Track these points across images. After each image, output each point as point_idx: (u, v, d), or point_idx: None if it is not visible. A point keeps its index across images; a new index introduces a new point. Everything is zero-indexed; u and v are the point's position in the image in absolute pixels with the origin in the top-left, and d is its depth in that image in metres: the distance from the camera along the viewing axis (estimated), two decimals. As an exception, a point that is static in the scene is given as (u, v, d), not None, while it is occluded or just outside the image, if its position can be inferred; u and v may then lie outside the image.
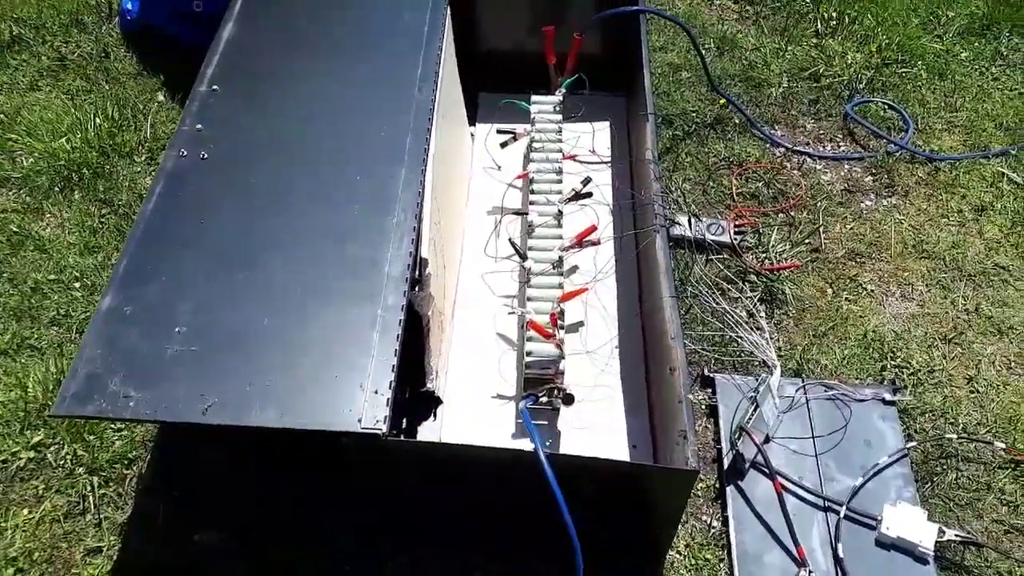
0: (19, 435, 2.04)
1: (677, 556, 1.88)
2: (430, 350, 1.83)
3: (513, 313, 2.18)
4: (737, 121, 2.85)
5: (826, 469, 1.99)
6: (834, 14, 3.26)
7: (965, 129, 2.86)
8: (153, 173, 2.52)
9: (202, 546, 1.86)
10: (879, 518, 1.88)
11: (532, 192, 2.29)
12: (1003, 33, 3.22)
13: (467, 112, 2.63)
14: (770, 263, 2.41)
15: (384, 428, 1.43)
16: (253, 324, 1.55)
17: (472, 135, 2.69)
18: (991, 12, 3.28)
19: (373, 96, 1.99)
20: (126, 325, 1.54)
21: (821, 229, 2.54)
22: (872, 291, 2.40)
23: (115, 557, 1.86)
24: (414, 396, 1.86)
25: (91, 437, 2.02)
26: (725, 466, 1.99)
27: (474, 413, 2.03)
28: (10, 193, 2.61)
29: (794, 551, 1.84)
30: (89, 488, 1.95)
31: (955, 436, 2.06)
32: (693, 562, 1.87)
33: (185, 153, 1.83)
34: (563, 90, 2.52)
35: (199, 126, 1.88)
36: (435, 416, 1.97)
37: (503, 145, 2.52)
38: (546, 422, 1.99)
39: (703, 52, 2.84)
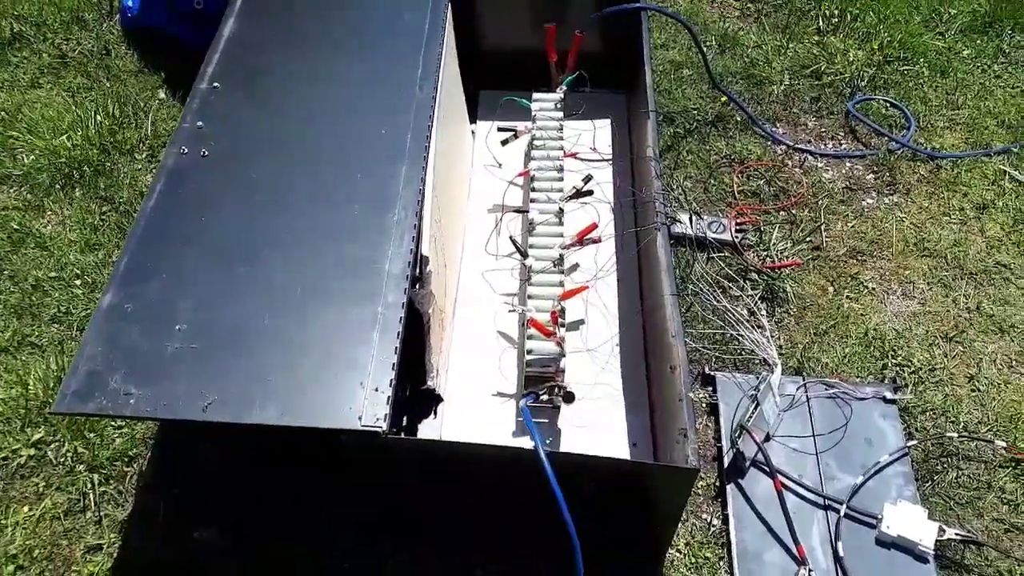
0: (20, 432, 2.04)
1: (677, 554, 1.88)
2: (431, 348, 1.83)
3: (514, 311, 2.18)
4: (738, 119, 2.85)
5: (826, 467, 1.99)
6: (836, 11, 3.25)
7: (967, 127, 2.86)
8: (154, 170, 2.52)
9: (202, 543, 1.87)
10: (879, 517, 1.88)
11: (533, 190, 2.29)
12: (1005, 30, 3.21)
13: (468, 110, 2.63)
14: (771, 261, 2.41)
15: (384, 426, 1.43)
16: (254, 322, 1.55)
17: (473, 133, 2.69)
18: (993, 9, 3.27)
19: (374, 94, 1.98)
20: (127, 322, 1.54)
21: (822, 227, 2.53)
22: (873, 289, 2.39)
23: (115, 554, 1.86)
24: (415, 394, 1.86)
25: (92, 435, 2.02)
26: (725, 464, 1.99)
27: (475, 411, 2.03)
28: (11, 190, 2.61)
29: (794, 549, 1.84)
30: (89, 485, 1.95)
31: (956, 435, 2.06)
32: (693, 560, 1.87)
33: (186, 150, 1.82)
34: (564, 87, 2.52)
35: (200, 123, 1.88)
36: (435, 414, 1.97)
37: (504, 143, 2.52)
38: (546, 420, 1.98)
39: (704, 49, 2.83)
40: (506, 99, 2.54)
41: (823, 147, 2.81)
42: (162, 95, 2.91)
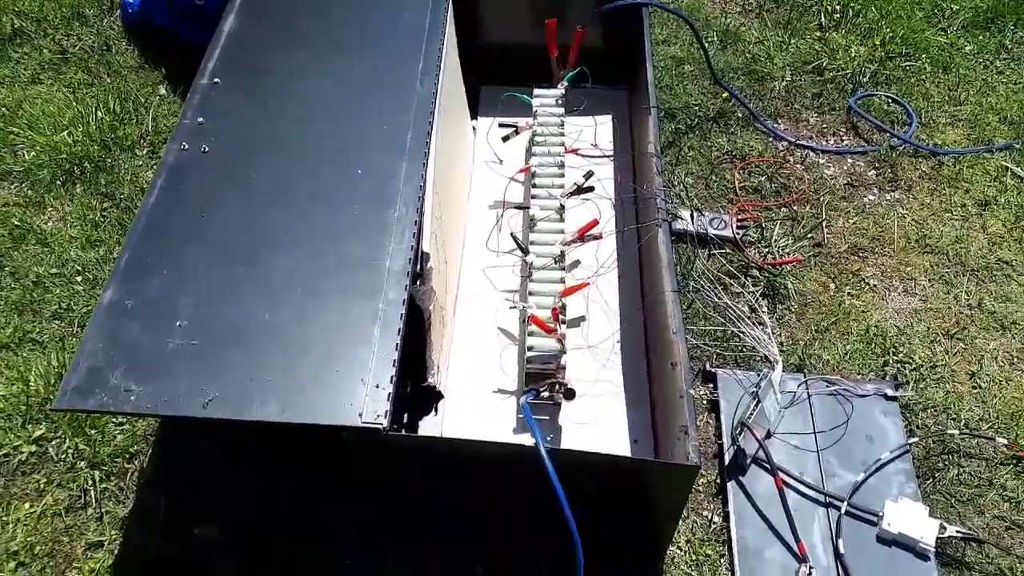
0: (21, 429, 2.04)
1: (678, 551, 1.88)
2: (431, 345, 1.82)
3: (514, 308, 2.18)
4: (740, 115, 2.84)
5: (827, 465, 1.99)
6: (838, 7, 3.24)
7: (969, 123, 2.85)
8: (155, 166, 2.52)
9: (203, 540, 1.87)
10: (880, 514, 1.88)
11: (534, 186, 2.29)
12: (1008, 26, 3.20)
13: (469, 106, 2.62)
14: (772, 258, 2.41)
15: (385, 422, 1.42)
16: (254, 318, 1.55)
17: (474, 129, 2.68)
18: (996, 5, 3.26)
19: (375, 90, 1.98)
20: (127, 319, 1.54)
21: (824, 224, 2.53)
22: (875, 286, 2.39)
23: (116, 551, 1.86)
24: (415, 391, 1.86)
25: (92, 431, 2.02)
26: (726, 461, 1.99)
27: (475, 408, 2.03)
28: (12, 187, 2.61)
29: (795, 547, 1.84)
30: (90, 482, 1.95)
31: (957, 432, 2.06)
32: (694, 557, 1.87)
33: (186, 146, 1.82)
34: (565, 83, 2.52)
35: (200, 119, 1.87)
36: (436, 411, 1.97)
37: (505, 139, 2.52)
38: (547, 417, 1.98)
39: (706, 45, 2.83)
40: (507, 95, 2.54)
41: (825, 143, 2.80)
42: (163, 91, 2.91)
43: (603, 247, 2.31)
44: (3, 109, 2.83)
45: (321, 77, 2.02)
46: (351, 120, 1.91)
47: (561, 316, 1.99)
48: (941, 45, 3.13)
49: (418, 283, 1.73)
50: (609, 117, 2.68)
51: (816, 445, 2.02)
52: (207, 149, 1.82)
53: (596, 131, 2.62)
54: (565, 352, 1.95)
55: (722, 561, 1.87)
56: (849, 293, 2.37)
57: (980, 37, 3.17)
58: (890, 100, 2.92)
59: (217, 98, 1.93)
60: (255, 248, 1.66)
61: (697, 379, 2.16)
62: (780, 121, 2.87)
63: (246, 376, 1.46)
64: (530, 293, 2.07)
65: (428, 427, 1.95)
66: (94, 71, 2.98)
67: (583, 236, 2.21)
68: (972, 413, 2.11)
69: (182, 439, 2.04)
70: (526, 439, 1.89)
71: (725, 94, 2.86)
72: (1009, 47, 3.13)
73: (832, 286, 2.39)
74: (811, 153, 2.75)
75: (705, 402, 2.12)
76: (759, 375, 2.10)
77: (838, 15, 3.23)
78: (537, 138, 2.41)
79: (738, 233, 2.45)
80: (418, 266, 1.73)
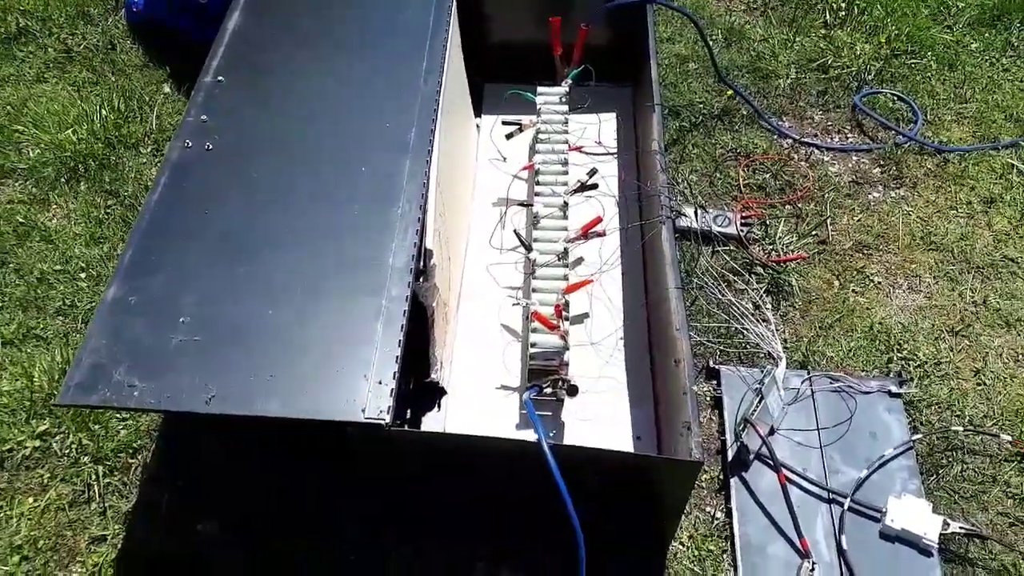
0: (25, 424, 2.05)
1: (680, 547, 1.88)
2: (434, 341, 1.83)
3: (518, 304, 2.18)
4: (744, 112, 2.84)
5: (831, 461, 1.98)
6: (843, 4, 3.24)
7: (975, 120, 2.84)
8: (158, 164, 2.52)
9: (205, 535, 1.87)
10: (883, 510, 1.87)
11: (538, 183, 2.29)
12: (1014, 24, 3.19)
13: (473, 103, 2.62)
14: (777, 255, 2.40)
15: (388, 418, 1.43)
16: (257, 315, 1.55)
17: (478, 126, 2.69)
18: (1002, 2, 3.25)
19: (379, 89, 1.98)
20: (131, 315, 1.54)
21: (828, 221, 2.53)
22: (879, 283, 2.38)
23: (119, 546, 1.87)
24: (418, 387, 1.86)
25: (96, 426, 2.03)
26: (729, 458, 1.99)
27: (478, 404, 2.03)
28: (16, 184, 2.62)
29: (798, 543, 1.83)
30: (94, 477, 1.96)
31: (961, 428, 2.05)
32: (696, 553, 1.87)
33: (190, 144, 1.83)
34: (569, 81, 2.52)
35: (204, 117, 1.88)
36: (439, 407, 1.97)
37: (509, 136, 2.52)
38: (550, 413, 1.98)
39: (710, 43, 2.82)
40: (511, 93, 2.53)
41: (829, 141, 2.80)
42: (167, 89, 2.91)
43: (606, 244, 2.31)
44: (8, 107, 2.84)
45: (326, 75, 2.02)
46: (356, 118, 1.91)
47: (564, 313, 1.99)
48: (947, 42, 3.12)
49: (421, 280, 1.73)
50: (613, 115, 2.68)
51: (819, 441, 2.02)
52: (211, 147, 1.82)
53: (600, 128, 2.62)
54: (568, 349, 1.95)
55: (724, 557, 1.87)
56: (853, 290, 2.36)
57: (986, 34, 3.16)
58: (895, 97, 2.91)
59: (221, 96, 1.94)
60: (258, 245, 1.67)
61: (700, 376, 2.15)
62: (785, 119, 2.86)
63: (249, 372, 1.47)
64: (533, 290, 2.07)
65: (431, 423, 1.95)
66: (99, 69, 2.99)
67: (587, 233, 2.21)
68: (976, 410, 2.10)
69: (185, 435, 2.04)
70: (529, 435, 1.89)
71: (729, 92, 2.85)
72: (1015, 44, 3.12)
73: (836, 283, 2.38)
74: (816, 150, 2.75)
75: (708, 399, 2.12)
76: (763, 372, 2.09)
77: (843, 13, 3.22)
78: (541, 135, 2.41)
79: (742, 230, 2.45)
80: (421, 263, 1.73)
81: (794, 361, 2.19)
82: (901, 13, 3.21)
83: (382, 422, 1.42)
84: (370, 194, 1.76)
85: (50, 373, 2.12)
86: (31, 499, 1.93)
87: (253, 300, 1.57)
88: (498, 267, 2.29)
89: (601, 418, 2.00)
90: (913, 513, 1.85)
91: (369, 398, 1.45)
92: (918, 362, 2.19)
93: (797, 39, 3.11)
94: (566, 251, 2.14)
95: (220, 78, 1.96)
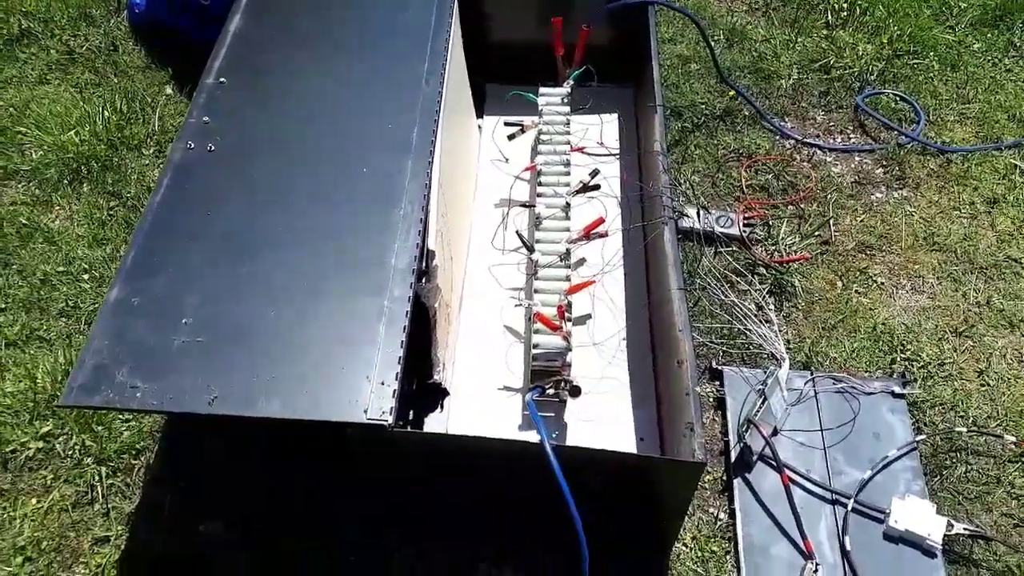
0: (28, 425, 2.05)
1: (683, 548, 1.88)
2: (437, 342, 1.83)
3: (520, 305, 2.18)
4: (747, 113, 2.84)
5: (834, 462, 1.98)
6: (845, 5, 3.23)
7: (977, 121, 2.84)
8: (161, 166, 2.53)
9: (208, 536, 1.87)
10: (887, 511, 1.87)
11: (540, 184, 2.29)
12: (1016, 24, 3.18)
13: (475, 104, 2.62)
14: (779, 255, 2.40)
15: (390, 419, 1.43)
16: (259, 316, 1.55)
17: (480, 127, 2.68)
18: (1004, 3, 3.24)
19: (381, 90, 1.98)
20: (133, 316, 1.54)
21: (831, 221, 2.52)
22: (882, 284, 2.38)
23: (122, 546, 1.87)
24: (421, 388, 1.86)
25: (99, 427, 2.03)
26: (732, 459, 1.98)
27: (481, 405, 2.03)
28: (19, 186, 2.62)
29: (801, 544, 1.83)
30: (97, 478, 1.96)
31: (965, 429, 2.05)
32: (699, 554, 1.87)
33: (192, 145, 1.83)
34: (571, 82, 2.51)
35: (206, 118, 1.88)
36: (442, 408, 1.97)
37: (511, 137, 2.52)
38: (553, 414, 1.98)
39: (712, 44, 2.82)
40: (513, 94, 2.53)
41: (832, 141, 2.79)
42: (169, 91, 2.91)
43: (609, 245, 2.31)
44: (11, 109, 2.84)
45: (328, 76, 2.02)
46: (358, 119, 1.91)
47: (567, 314, 1.99)
48: (949, 43, 3.11)
49: (423, 280, 1.73)
50: (615, 115, 2.68)
51: (823, 442, 2.01)
52: (213, 148, 1.82)
53: (602, 129, 2.61)
54: (571, 349, 1.94)
55: (727, 558, 1.87)
56: (856, 291, 2.36)
57: (988, 35, 3.16)
58: (898, 98, 2.91)
59: (223, 97, 1.94)
60: (261, 246, 1.67)
61: (703, 376, 2.15)
62: (787, 119, 2.86)
63: (251, 373, 1.47)
64: (536, 291, 2.07)
65: (433, 424, 1.95)
66: (101, 71, 2.99)
67: (589, 234, 2.21)
68: (980, 410, 2.10)
69: (188, 436, 2.04)
70: (532, 436, 1.89)
71: (732, 92, 2.85)
72: (1018, 45, 3.12)
73: (839, 284, 2.38)
74: (818, 151, 2.74)
75: (711, 399, 2.12)
76: (766, 372, 2.09)
77: (845, 13, 3.22)
78: (543, 136, 2.41)
79: (745, 231, 2.44)
80: (423, 263, 1.73)
81: (797, 362, 2.19)
82: (903, 13, 3.21)
83: (385, 423, 1.42)
84: (372, 194, 1.76)
85: (53, 374, 2.12)
86: (34, 500, 1.93)
87: (255, 301, 1.57)
88: (500, 268, 2.29)
89: (604, 419, 1.99)
90: (917, 514, 1.85)
91: (371, 399, 1.45)
92: (922, 363, 2.19)
93: (799, 39, 3.11)
94: (568, 252, 2.13)
95: (222, 79, 1.96)
